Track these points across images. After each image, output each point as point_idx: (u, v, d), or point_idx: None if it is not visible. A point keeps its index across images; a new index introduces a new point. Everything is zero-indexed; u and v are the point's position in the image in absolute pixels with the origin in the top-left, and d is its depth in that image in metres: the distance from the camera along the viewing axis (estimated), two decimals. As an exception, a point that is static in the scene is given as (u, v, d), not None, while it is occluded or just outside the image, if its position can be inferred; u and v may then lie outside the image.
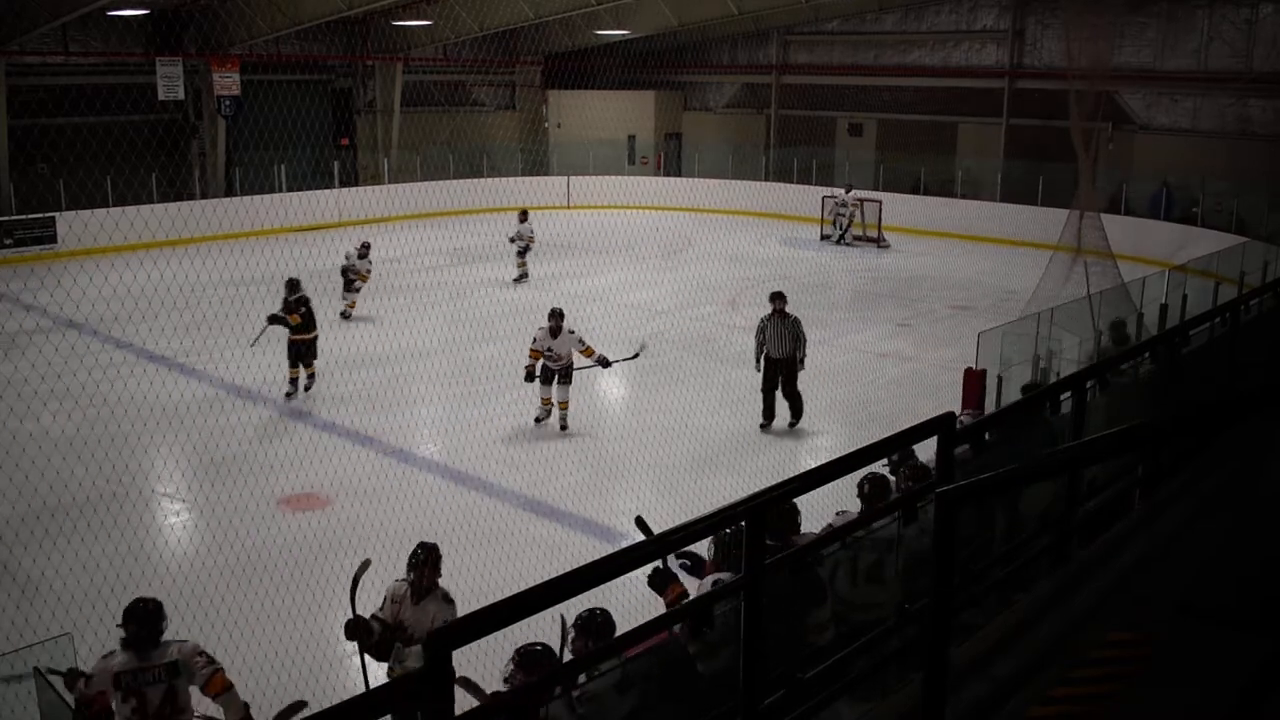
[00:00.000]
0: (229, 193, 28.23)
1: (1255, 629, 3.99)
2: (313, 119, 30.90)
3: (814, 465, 4.17)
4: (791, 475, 3.88)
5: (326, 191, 29.06)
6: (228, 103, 27.54)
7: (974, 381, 9.84)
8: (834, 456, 4.18)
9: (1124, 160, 26.56)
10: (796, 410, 12.57)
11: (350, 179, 31.11)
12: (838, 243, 26.48)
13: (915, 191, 29.16)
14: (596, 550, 9.06)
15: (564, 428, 12.38)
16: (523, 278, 21.52)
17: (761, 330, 12.60)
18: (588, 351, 12.45)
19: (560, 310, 12.67)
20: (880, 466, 6.66)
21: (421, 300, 19.02)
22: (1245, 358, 7.67)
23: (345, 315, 17.66)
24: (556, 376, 12.57)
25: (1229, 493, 5.44)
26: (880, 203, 26.62)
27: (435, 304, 18.46)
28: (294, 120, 29.58)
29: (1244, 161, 24.19)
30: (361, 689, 6.25)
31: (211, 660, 5.68)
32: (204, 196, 27.88)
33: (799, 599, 4.55)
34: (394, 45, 30.88)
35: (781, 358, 12.41)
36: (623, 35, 31.49)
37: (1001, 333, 10.95)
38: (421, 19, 29.03)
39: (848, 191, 26.96)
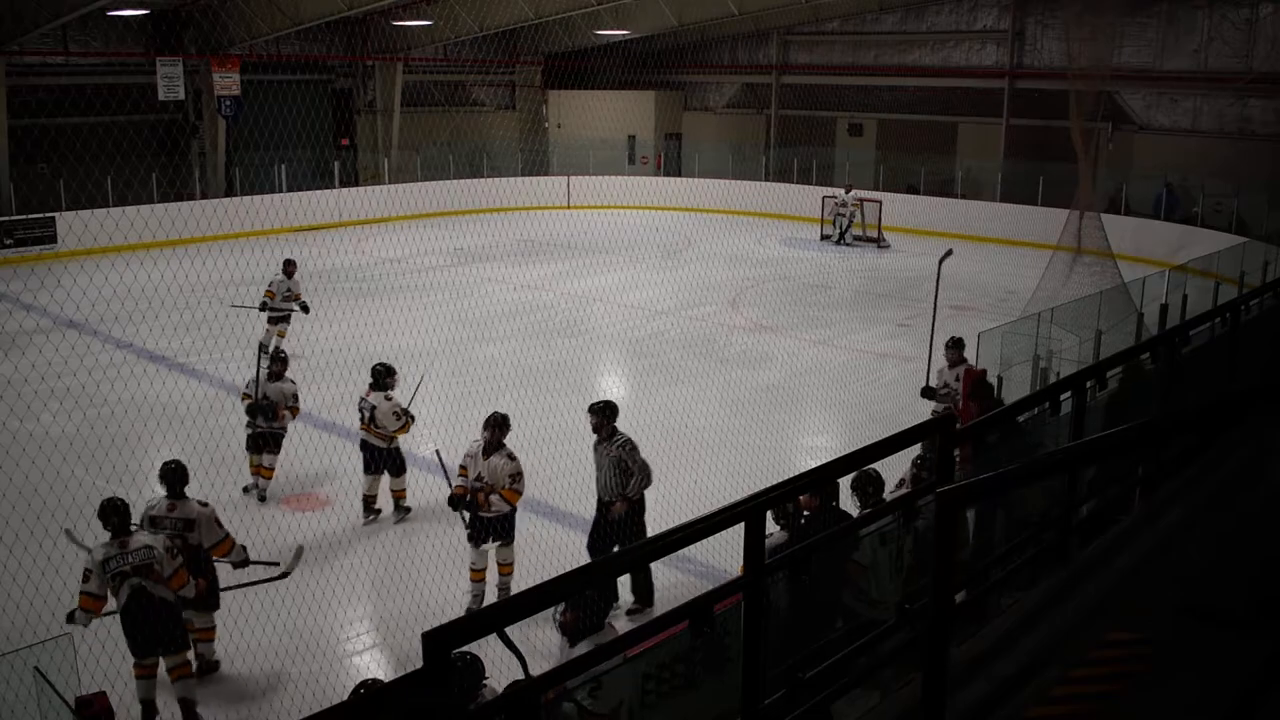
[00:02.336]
0: (229, 193, 28.23)
1: (1255, 629, 4.00)
2: (313, 119, 30.89)
3: (814, 465, 4.18)
4: (791, 475, 3.88)
5: (327, 192, 29.08)
6: (228, 103, 27.53)
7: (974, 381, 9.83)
8: (834, 457, 4.18)
9: (1124, 160, 26.57)
10: (641, 589, 8.54)
11: (350, 179, 31.11)
12: (838, 243, 26.49)
13: (915, 191, 29.17)
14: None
15: None
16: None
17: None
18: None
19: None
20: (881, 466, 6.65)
21: (421, 300, 19.01)
22: (1245, 358, 7.67)
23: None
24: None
25: (1229, 493, 5.44)
26: (880, 203, 26.63)
27: (435, 304, 18.45)
28: (294, 120, 29.57)
29: (1244, 161, 24.19)
30: (359, 679, 6.25)
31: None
32: (204, 196, 27.86)
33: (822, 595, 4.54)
34: (394, 45, 30.87)
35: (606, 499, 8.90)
36: (623, 35, 31.49)
37: (1001, 333, 10.96)
38: (421, 19, 29.03)
39: (848, 191, 26.97)
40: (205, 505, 7.98)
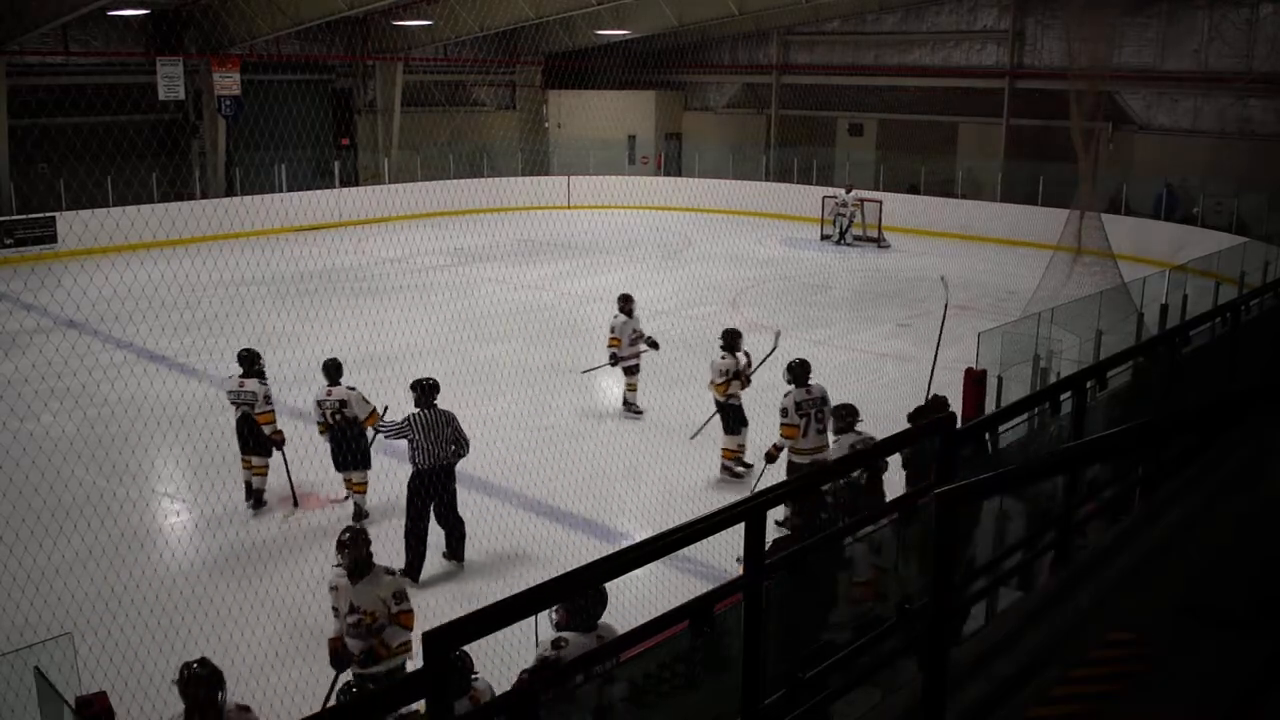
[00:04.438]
0: (229, 192, 28.24)
1: (1255, 629, 4.00)
2: (313, 119, 30.90)
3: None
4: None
5: (327, 191, 29.08)
6: (228, 102, 27.53)
7: (973, 382, 9.82)
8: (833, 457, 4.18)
9: (1124, 160, 26.57)
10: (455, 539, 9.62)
11: (351, 179, 31.13)
12: (838, 243, 26.50)
13: (915, 191, 29.18)
14: (597, 550, 9.07)
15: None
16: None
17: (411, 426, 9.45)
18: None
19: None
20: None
21: (421, 300, 19.00)
22: (1246, 358, 7.67)
23: None
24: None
25: (1229, 493, 5.44)
26: (880, 203, 26.64)
27: (435, 304, 18.45)
28: (294, 120, 29.59)
29: (1244, 161, 24.19)
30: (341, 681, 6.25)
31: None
32: (204, 196, 27.87)
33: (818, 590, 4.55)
34: (394, 45, 30.88)
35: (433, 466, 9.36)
36: (623, 35, 31.50)
37: (1002, 333, 10.95)
38: (422, 19, 29.04)
39: (848, 191, 26.98)
40: (353, 389, 10.40)
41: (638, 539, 3.86)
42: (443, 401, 9.51)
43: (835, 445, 8.98)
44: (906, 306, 19.37)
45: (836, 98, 32.63)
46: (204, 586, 9.08)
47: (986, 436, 5.38)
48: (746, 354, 11.51)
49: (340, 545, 6.74)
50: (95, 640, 7.39)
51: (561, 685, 3.73)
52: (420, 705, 2.88)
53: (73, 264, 22.85)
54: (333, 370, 10.51)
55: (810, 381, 10.04)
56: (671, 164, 34.78)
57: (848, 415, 8.87)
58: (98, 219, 23.94)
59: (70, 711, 5.43)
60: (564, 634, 5.51)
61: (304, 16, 26.32)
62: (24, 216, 24.40)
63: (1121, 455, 5.34)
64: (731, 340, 11.38)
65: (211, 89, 27.37)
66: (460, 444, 9.45)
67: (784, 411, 9.96)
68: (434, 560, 9.54)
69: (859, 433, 8.78)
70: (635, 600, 5.66)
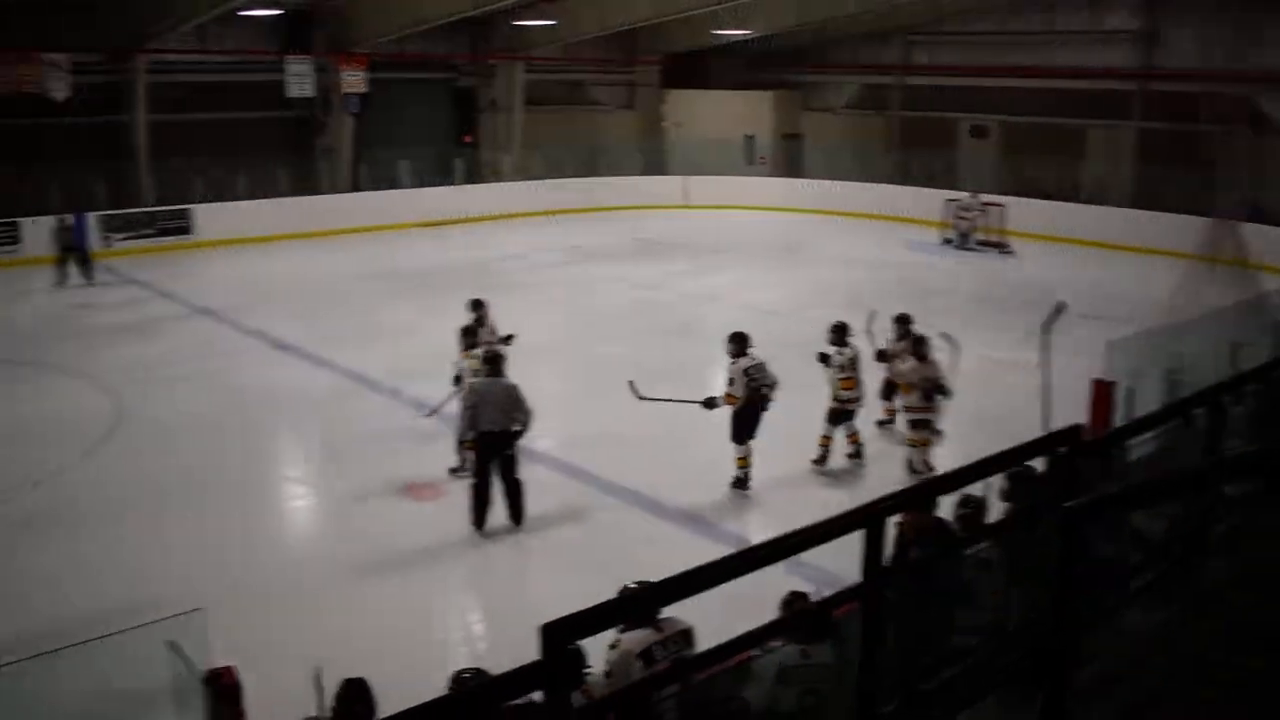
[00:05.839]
0: (355, 188, 28.92)
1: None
2: (436, 116, 31.52)
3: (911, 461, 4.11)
4: (907, 486, 3.83)
5: (448, 188, 29.62)
6: (354, 100, 28.19)
7: (1102, 393, 9.55)
8: (953, 467, 4.12)
9: (1264, 166, 25.50)
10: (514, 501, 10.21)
11: (472, 176, 31.62)
12: (959, 247, 26.01)
13: (1041, 196, 28.44)
14: (708, 553, 9.07)
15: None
16: None
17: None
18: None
19: None
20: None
21: (539, 297, 19.22)
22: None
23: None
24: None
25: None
26: (1004, 207, 26.03)
27: (553, 301, 18.64)
28: (418, 118, 30.21)
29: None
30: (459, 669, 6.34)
31: None
32: (330, 191, 28.61)
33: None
34: (516, 44, 31.27)
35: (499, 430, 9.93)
36: (743, 35, 31.39)
37: (1132, 342, 10.61)
38: (543, 18, 29.34)
39: (971, 195, 26.46)
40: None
41: (752, 541, 3.86)
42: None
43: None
44: (1030, 314, 18.84)
45: (959, 99, 32.00)
46: (325, 568, 9.32)
47: (1113, 450, 5.25)
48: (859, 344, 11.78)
49: None
50: (225, 614, 7.65)
51: (684, 682, 3.75)
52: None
53: (208, 254, 23.73)
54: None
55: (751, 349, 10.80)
56: (790, 165, 34.54)
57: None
58: (229, 211, 24.79)
59: (200, 683, 5.64)
60: (620, 636, 5.50)
61: (428, 16, 26.80)
62: (162, 208, 25.34)
63: (1257, 474, 5.16)
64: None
65: (339, 87, 28.05)
66: (521, 413, 9.97)
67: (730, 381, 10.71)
68: (546, 559, 9.67)
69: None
70: (743, 604, 5.64)
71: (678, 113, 34.76)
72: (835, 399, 11.53)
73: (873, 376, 12.09)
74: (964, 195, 26.57)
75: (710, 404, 10.93)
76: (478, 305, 12.44)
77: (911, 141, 32.38)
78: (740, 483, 11.03)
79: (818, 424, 11.87)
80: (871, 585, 3.58)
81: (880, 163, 32.18)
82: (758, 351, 10.94)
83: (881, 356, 12.19)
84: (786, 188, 32.05)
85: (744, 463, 11.01)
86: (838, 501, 10.30)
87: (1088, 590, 4.59)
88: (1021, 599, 4.58)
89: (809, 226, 28.60)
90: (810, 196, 30.75)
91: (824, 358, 11.51)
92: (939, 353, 11.35)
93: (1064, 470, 4.42)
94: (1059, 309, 9.93)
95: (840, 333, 11.63)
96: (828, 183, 31.01)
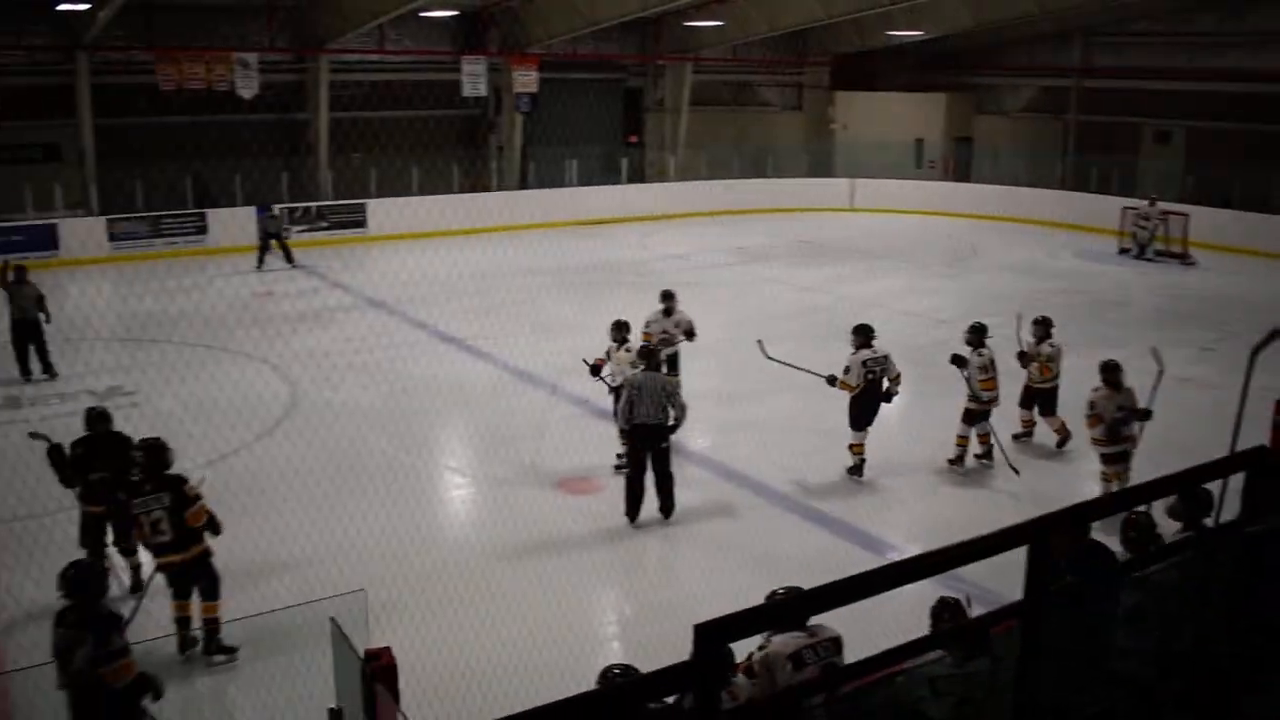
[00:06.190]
0: (523, 185, 29.46)
1: None
2: (604, 116, 31.85)
3: (1098, 493, 3.90)
4: (1077, 501, 3.66)
5: (613, 187, 29.89)
6: (525, 99, 28.70)
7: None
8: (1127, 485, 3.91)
9: None
10: (665, 493, 10.31)
11: (637, 176, 31.85)
12: (1137, 257, 24.94)
13: (1227, 205, 27.01)
14: (863, 561, 8.91)
15: None
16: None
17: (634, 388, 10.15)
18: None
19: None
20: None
21: (701, 297, 19.17)
22: None
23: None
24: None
25: None
26: (1187, 216, 24.82)
27: (716, 302, 18.60)
28: (586, 117, 30.58)
29: None
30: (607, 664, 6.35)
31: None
32: (500, 188, 29.20)
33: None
34: (685, 45, 31.37)
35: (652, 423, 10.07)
36: (916, 36, 30.80)
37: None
38: (713, 19, 29.35)
39: (1151, 203, 25.31)
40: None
41: (907, 554, 3.74)
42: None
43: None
44: (1212, 329, 17.99)
45: (1142, 103, 30.67)
46: (480, 555, 9.49)
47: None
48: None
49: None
50: (386, 596, 7.85)
51: (833, 690, 3.66)
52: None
53: (380, 248, 24.51)
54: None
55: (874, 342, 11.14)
56: (960, 169, 33.71)
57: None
58: (401, 207, 25.54)
59: (360, 661, 5.78)
60: (770, 638, 5.41)
61: (599, 17, 27.12)
62: (338, 202, 26.31)
63: None
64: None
65: (510, 86, 28.61)
66: (675, 408, 10.10)
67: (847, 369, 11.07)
68: (697, 556, 9.64)
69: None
70: (896, 619, 5.48)
71: (846, 114, 34.32)
72: (975, 399, 11.45)
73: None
74: (1143, 203, 25.44)
75: (831, 381, 11.28)
76: (668, 296, 12.92)
77: (1089, 146, 31.21)
78: (855, 470, 11.29)
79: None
80: (1033, 604, 3.42)
81: (1054, 168, 31.12)
82: (881, 344, 11.30)
83: (1023, 359, 12.05)
84: (956, 192, 31.30)
85: (858, 449, 11.32)
86: (970, 501, 10.02)
87: (1265, 617, 4.31)
88: (1192, 623, 4.34)
89: (977, 232, 27.85)
90: (980, 202, 29.97)
91: (958, 360, 11.43)
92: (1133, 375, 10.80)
93: (1250, 493, 4.18)
94: (1276, 334, 9.32)
95: (979, 334, 11.60)
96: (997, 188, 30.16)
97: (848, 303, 19.40)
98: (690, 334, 12.82)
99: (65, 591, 6.16)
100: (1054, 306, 16.58)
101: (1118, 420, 10.24)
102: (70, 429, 9.00)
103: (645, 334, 12.44)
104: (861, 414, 11.23)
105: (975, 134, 34.62)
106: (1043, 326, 12.15)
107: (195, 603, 7.73)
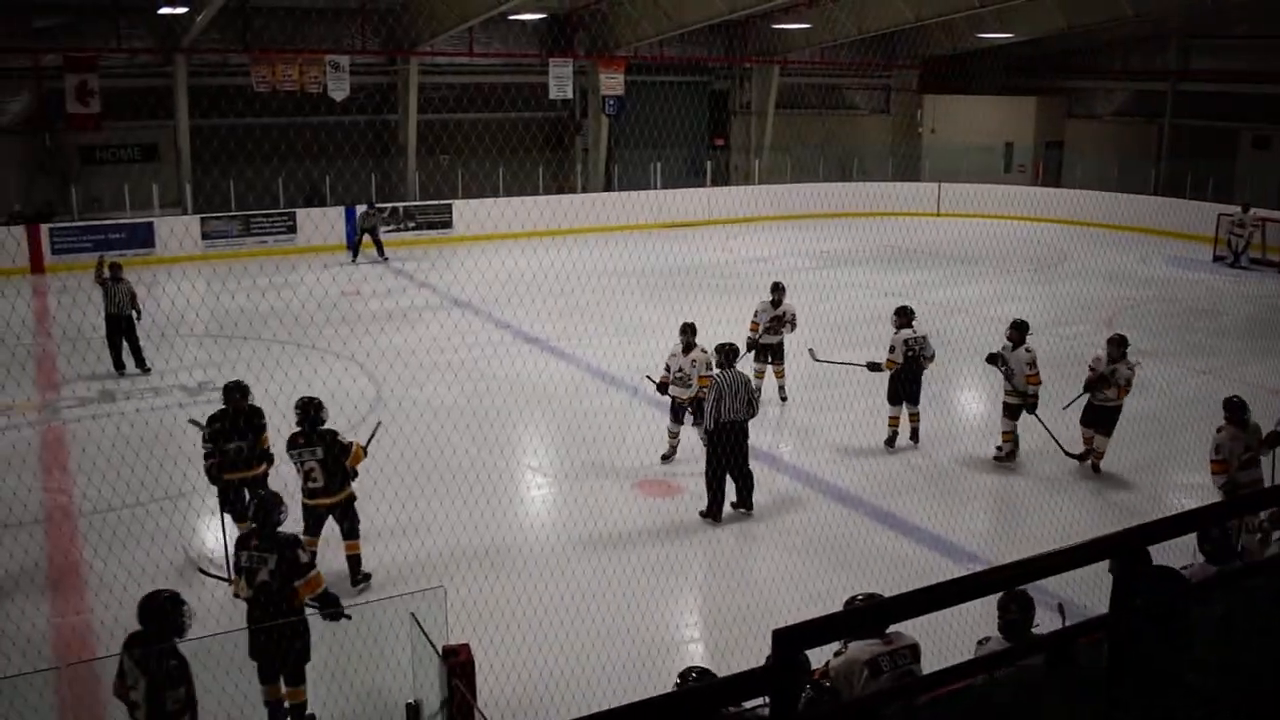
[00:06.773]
0: (608, 188, 29.60)
1: None
2: (689, 119, 31.87)
3: (1190, 507, 3.83)
4: (1162, 516, 3.58)
5: (698, 190, 29.88)
6: (611, 102, 28.86)
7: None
8: (1209, 501, 3.83)
9: None
10: (744, 490, 10.42)
11: (721, 178, 31.81)
12: (1232, 265, 24.29)
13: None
14: (942, 570, 8.82)
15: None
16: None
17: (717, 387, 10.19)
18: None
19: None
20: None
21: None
22: None
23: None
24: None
25: None
26: (1286, 224, 24.14)
27: (796, 306, 18.52)
28: (672, 120, 30.63)
29: None
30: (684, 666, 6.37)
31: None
32: (585, 190, 29.37)
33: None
34: (772, 48, 31.27)
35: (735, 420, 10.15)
36: (1006, 38, 30.34)
37: None
38: (800, 22, 29.21)
39: (1246, 210, 24.62)
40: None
41: (991, 565, 3.70)
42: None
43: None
44: (1309, 340, 17.48)
45: (1241, 107, 29.85)
46: (558, 554, 9.57)
47: None
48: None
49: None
50: (464, 594, 7.96)
51: (909, 700, 3.63)
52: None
53: (465, 248, 24.79)
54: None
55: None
56: (1050, 174, 33.12)
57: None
58: (486, 208, 25.82)
59: (438, 656, 5.89)
60: (847, 643, 5.38)
61: (686, 20, 27.16)
62: (426, 203, 26.68)
63: None
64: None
65: (597, 89, 28.79)
66: (752, 405, 10.27)
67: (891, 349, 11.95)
68: (770, 561, 9.60)
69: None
70: (970, 627, 5.43)
71: (934, 118, 33.93)
72: (1018, 393, 11.51)
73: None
74: (1238, 210, 24.75)
75: (874, 367, 12.03)
76: (777, 288, 13.69)
77: (1184, 151, 30.44)
78: (889, 441, 12.17)
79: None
80: (1119, 619, 3.36)
81: (1147, 173, 30.40)
82: (920, 324, 12.11)
83: (1089, 387, 11.34)
84: (1046, 197, 30.73)
85: (894, 422, 12.18)
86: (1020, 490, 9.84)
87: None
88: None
89: (1067, 238, 27.35)
90: (1070, 207, 29.39)
91: (996, 358, 11.59)
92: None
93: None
94: None
95: (1021, 330, 11.66)
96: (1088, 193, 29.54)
97: (931, 308, 19.14)
98: (793, 324, 13.57)
99: (251, 516, 7.09)
100: (1144, 314, 16.25)
101: (1244, 464, 8.90)
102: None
103: (752, 323, 13.50)
104: (899, 390, 12.05)
105: (1066, 138, 33.98)
106: (1118, 346, 11.30)
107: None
